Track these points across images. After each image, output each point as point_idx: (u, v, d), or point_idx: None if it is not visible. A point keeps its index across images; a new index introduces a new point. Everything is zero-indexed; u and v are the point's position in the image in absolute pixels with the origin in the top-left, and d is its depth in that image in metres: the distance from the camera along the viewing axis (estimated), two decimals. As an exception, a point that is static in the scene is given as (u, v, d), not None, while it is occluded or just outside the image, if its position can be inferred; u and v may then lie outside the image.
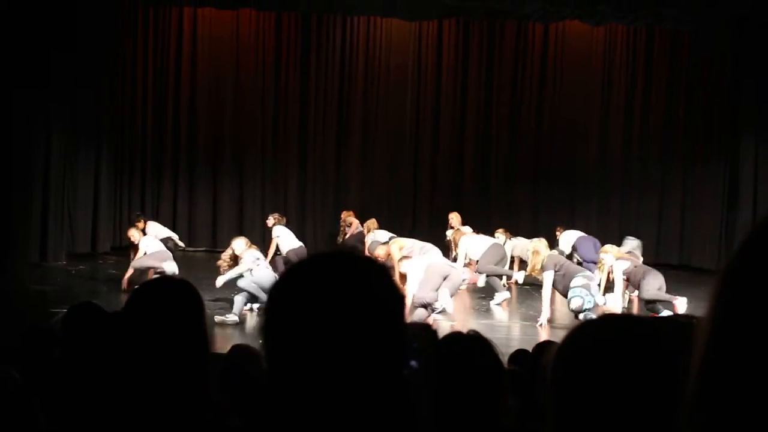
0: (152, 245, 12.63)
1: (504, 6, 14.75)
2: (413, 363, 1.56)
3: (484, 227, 14.71)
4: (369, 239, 14.29)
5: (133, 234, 13.04)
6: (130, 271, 12.34)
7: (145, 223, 14.10)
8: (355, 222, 15.38)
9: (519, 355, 5.43)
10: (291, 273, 1.47)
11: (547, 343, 4.76)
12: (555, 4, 14.61)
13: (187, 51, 17.37)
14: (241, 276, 10.81)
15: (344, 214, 15.76)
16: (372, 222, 14.92)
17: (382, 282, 1.45)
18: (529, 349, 5.50)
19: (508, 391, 2.57)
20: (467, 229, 14.32)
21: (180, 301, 2.12)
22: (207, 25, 17.30)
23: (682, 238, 17.21)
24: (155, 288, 2.18)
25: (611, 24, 16.69)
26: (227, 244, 11.25)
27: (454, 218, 15.13)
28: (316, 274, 1.44)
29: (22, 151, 13.83)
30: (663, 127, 17.62)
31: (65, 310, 4.55)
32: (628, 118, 17.73)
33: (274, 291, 1.45)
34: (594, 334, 1.42)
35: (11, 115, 13.40)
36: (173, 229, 17.47)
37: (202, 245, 17.11)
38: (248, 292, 10.65)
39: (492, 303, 12.54)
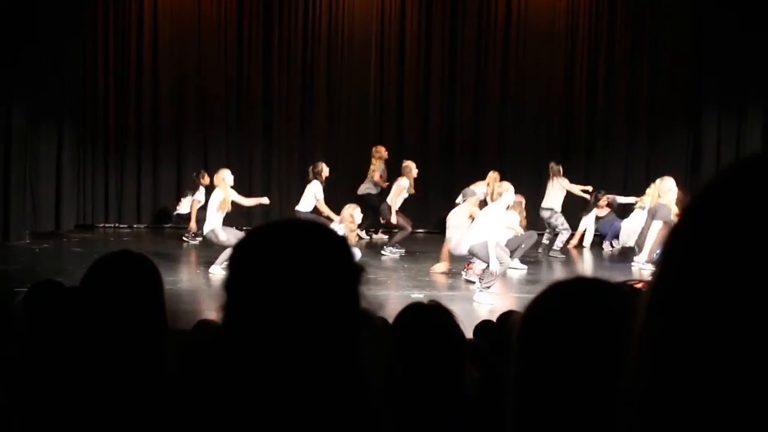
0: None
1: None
2: None
3: (448, 197, 14.72)
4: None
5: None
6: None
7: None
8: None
9: (484, 325, 5.45)
10: (253, 235, 1.48)
11: (510, 313, 4.79)
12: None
13: (149, 25, 17.16)
14: None
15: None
16: None
17: (341, 252, 1.46)
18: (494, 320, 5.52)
19: (469, 359, 2.59)
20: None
21: (137, 276, 2.10)
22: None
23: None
24: (112, 262, 2.16)
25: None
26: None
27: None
28: (275, 237, 1.45)
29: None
30: (626, 97, 17.70)
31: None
32: (592, 88, 17.79)
33: (235, 250, 1.47)
34: (562, 295, 1.41)
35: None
36: (138, 206, 17.35)
37: (166, 221, 16.98)
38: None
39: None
